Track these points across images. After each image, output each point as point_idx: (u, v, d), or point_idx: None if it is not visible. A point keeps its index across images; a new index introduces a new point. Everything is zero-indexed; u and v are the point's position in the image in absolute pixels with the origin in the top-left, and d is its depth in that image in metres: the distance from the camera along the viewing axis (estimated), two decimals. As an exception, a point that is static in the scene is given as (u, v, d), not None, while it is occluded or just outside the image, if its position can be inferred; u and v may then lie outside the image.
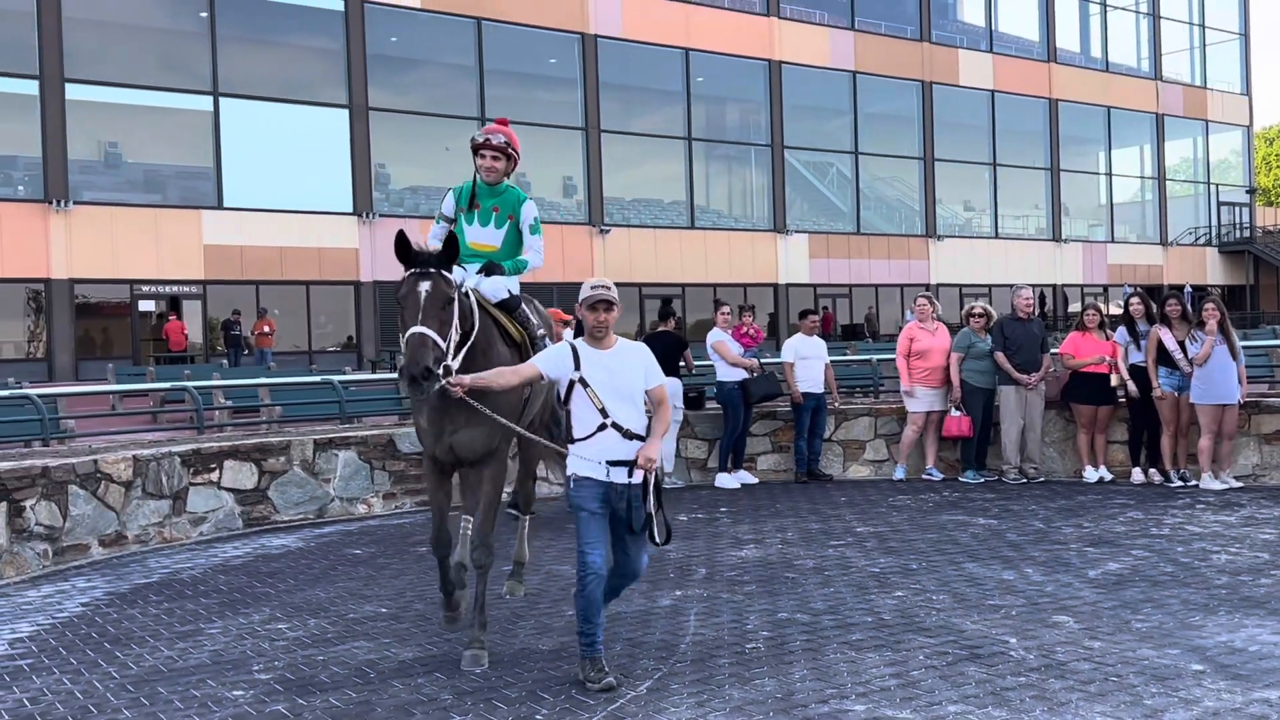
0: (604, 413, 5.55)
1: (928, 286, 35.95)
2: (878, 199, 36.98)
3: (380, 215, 28.19)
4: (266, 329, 26.01)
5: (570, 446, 5.70)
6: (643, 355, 5.88)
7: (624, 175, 32.50)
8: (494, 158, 6.69)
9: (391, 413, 13.41)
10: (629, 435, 5.62)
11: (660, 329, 13.43)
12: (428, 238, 6.34)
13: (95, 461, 9.20)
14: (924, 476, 12.84)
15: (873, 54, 35.59)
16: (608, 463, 5.58)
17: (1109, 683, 5.55)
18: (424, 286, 5.53)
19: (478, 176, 6.77)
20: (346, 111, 28.13)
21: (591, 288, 5.83)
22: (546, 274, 29.21)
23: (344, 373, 19.44)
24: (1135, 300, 12.45)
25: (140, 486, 9.50)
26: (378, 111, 28.51)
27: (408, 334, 5.39)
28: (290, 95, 27.68)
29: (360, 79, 28.12)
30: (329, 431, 11.54)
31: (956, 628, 6.58)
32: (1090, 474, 12.32)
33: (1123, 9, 41.84)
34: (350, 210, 28.00)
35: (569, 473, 5.75)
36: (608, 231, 30.87)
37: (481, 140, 6.73)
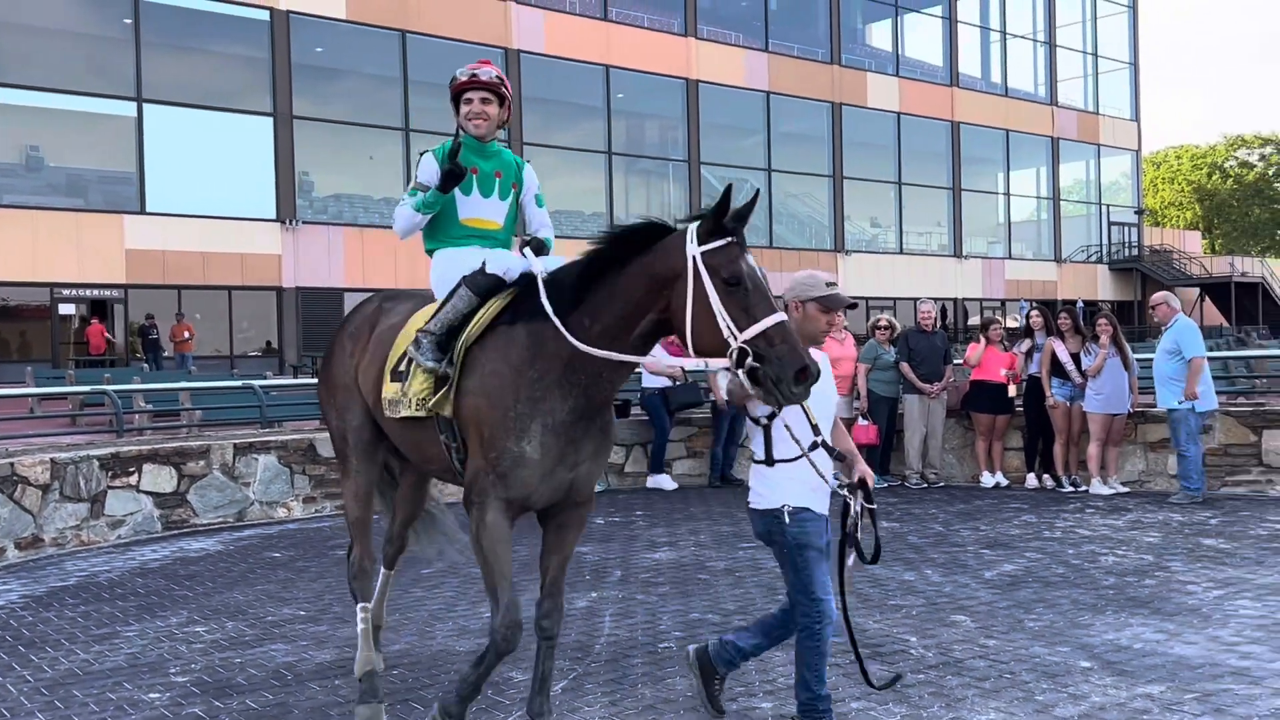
0: (816, 429, 4.36)
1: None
2: (789, 215, 37.31)
3: (303, 222, 27.83)
4: (186, 334, 25.57)
5: (770, 470, 4.56)
6: (828, 363, 4.58)
7: (546, 187, 32.28)
8: (484, 100, 4.74)
9: (312, 417, 13.21)
10: (837, 456, 4.51)
11: None
12: (401, 210, 4.76)
13: (12, 464, 9.00)
14: None
15: (785, 75, 35.93)
16: (833, 490, 4.53)
17: (1003, 680, 5.64)
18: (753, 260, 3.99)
19: (460, 134, 4.72)
20: (271, 119, 27.77)
21: (829, 284, 4.55)
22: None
23: (265, 377, 19.11)
24: (1035, 314, 12.69)
25: (58, 489, 9.30)
26: (302, 120, 28.19)
27: (782, 320, 3.83)
28: (215, 103, 27.26)
29: (285, 88, 27.77)
30: (249, 436, 11.37)
31: (860, 627, 6.63)
32: (987, 479, 12.53)
33: (1021, 38, 42.69)
34: (274, 217, 27.60)
35: (780, 504, 4.54)
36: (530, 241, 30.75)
37: (466, 78, 4.76)
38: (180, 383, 16.59)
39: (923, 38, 40.25)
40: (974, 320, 36.44)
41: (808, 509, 4.49)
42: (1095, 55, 44.59)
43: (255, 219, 27.40)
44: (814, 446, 4.35)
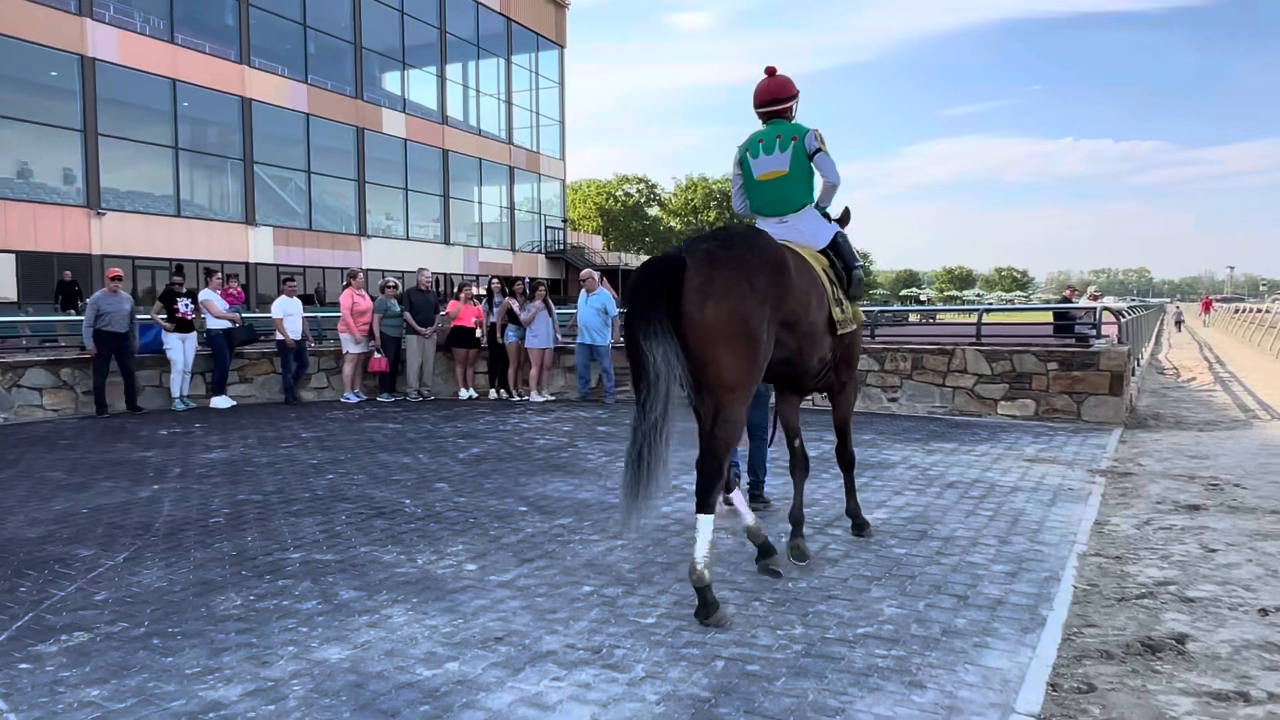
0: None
1: (357, 270, 34.87)
2: (326, 206, 35.34)
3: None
4: None
5: None
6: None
7: (121, 174, 28.05)
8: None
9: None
10: None
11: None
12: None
13: None
14: (342, 400, 12.56)
15: (321, 102, 33.96)
16: None
17: (469, 522, 5.74)
18: None
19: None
20: None
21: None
22: (51, 245, 24.47)
23: None
24: (495, 282, 12.95)
25: None
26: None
27: None
28: None
29: None
30: None
31: (370, 497, 6.49)
32: (463, 393, 12.71)
33: (489, 95, 43.17)
34: None
35: None
36: (104, 214, 26.48)
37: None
38: None
39: (422, 88, 39.47)
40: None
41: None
42: (537, 113, 46.22)
43: None
44: None
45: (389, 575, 4.59)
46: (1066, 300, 16.09)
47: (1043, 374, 10.28)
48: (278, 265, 32.18)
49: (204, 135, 31.74)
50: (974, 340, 11.50)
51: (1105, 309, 11.77)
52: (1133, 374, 12.50)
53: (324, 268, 34.12)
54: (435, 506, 6.07)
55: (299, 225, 33.72)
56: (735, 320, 3.79)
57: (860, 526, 5.45)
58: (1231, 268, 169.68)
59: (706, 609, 3.95)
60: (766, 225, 4.92)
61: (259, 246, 31.81)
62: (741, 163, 5.11)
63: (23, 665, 3.45)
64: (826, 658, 3.59)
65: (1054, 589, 4.44)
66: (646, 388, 3.74)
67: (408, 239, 38.48)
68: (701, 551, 3.92)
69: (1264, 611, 4.09)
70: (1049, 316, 15.24)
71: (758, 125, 5.12)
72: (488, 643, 3.72)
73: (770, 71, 5.12)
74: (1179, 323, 47.56)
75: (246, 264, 31.16)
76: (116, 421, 10.53)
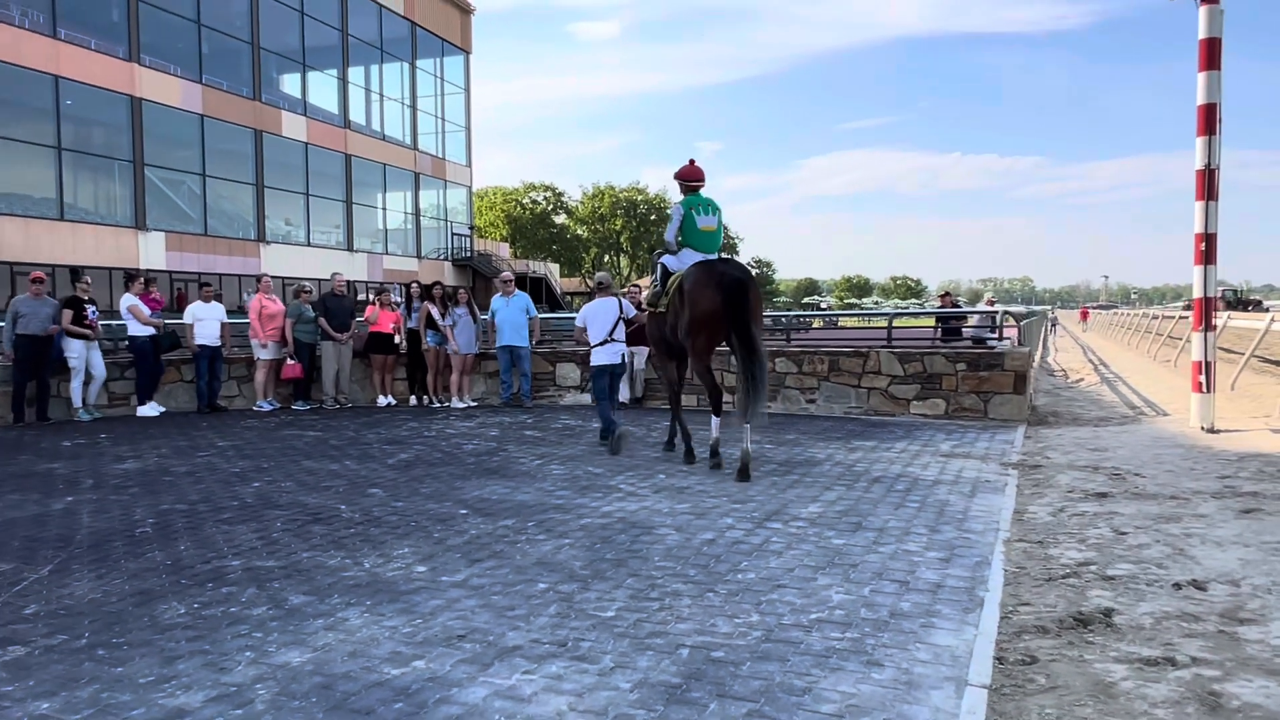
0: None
1: (259, 276, 33.74)
2: (221, 211, 34.05)
3: None
4: None
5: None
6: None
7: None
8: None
9: None
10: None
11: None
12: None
13: None
14: (254, 408, 12.20)
15: (217, 104, 32.74)
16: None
17: (410, 526, 5.68)
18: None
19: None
20: None
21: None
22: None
23: None
24: (415, 287, 12.77)
25: None
26: None
27: None
28: None
29: None
30: None
31: (303, 503, 6.35)
32: (382, 400, 12.48)
33: (392, 100, 42.46)
34: None
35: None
36: (-20, 218, 24.95)
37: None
38: None
39: (323, 90, 38.53)
40: (362, 296, 35.79)
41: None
42: (443, 119, 45.69)
43: None
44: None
45: (337, 579, 4.51)
46: (943, 305, 16.94)
47: (952, 374, 10.76)
48: (170, 271, 30.82)
49: (89, 135, 30.19)
50: (886, 343, 11.94)
51: (1008, 313, 12.39)
52: (1032, 375, 13.18)
53: (220, 274, 32.83)
54: (373, 511, 5.96)
55: (194, 230, 32.39)
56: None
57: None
58: (1106, 277, 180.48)
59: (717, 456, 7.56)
60: (708, 257, 7.54)
61: (150, 252, 30.40)
62: (686, 215, 7.54)
63: (-42, 682, 3.26)
64: (786, 642, 3.72)
65: (986, 572, 4.69)
66: (744, 347, 6.84)
67: (309, 245, 37.41)
68: (715, 433, 7.61)
69: (1177, 585, 4.42)
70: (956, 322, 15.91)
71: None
72: (451, 640, 3.70)
73: (692, 161, 7.68)
74: (1054, 324, 50.38)
75: (137, 270, 29.75)
76: (14, 433, 9.92)
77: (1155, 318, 29.53)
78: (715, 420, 7.57)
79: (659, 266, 7.89)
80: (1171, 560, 4.87)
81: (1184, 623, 3.95)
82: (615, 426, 8.41)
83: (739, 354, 6.84)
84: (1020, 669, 3.53)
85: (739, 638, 3.77)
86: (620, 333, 8.61)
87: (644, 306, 8.81)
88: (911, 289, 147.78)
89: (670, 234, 7.68)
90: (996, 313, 13.01)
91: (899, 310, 13.53)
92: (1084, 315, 69.87)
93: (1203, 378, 9.45)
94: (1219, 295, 10.91)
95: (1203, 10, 9.15)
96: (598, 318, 8.57)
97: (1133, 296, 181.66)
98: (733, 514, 5.89)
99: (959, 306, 20.09)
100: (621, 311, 8.62)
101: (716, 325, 6.86)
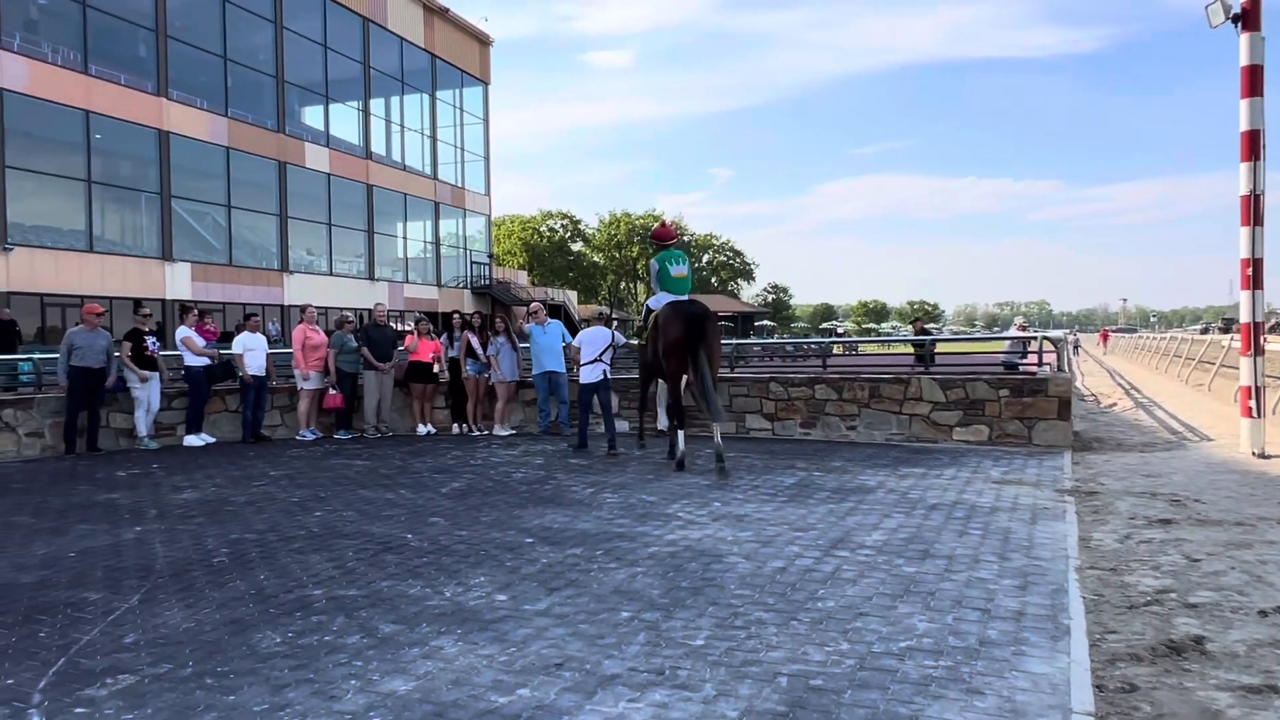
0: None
1: (283, 307, 34.20)
2: (245, 242, 34.46)
3: None
4: None
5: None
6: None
7: (30, 207, 26.90)
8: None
9: None
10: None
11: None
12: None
13: None
14: (297, 437, 12.33)
15: (242, 136, 33.23)
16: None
17: (480, 555, 5.73)
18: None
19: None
20: None
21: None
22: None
23: None
24: (457, 317, 12.90)
25: None
26: None
27: None
28: None
29: None
30: None
31: (369, 533, 6.41)
32: (421, 429, 12.56)
33: (413, 130, 43.03)
34: None
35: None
36: (11, 249, 25.30)
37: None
38: None
39: (345, 122, 39.12)
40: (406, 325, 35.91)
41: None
42: (462, 149, 46.20)
43: None
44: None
45: (421, 608, 4.57)
46: (916, 332, 17.50)
47: (995, 401, 10.77)
48: (196, 301, 31.16)
49: (118, 168, 30.70)
50: (924, 369, 11.97)
51: (1046, 338, 12.40)
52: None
53: (244, 304, 33.14)
54: (440, 540, 6.02)
55: (218, 261, 32.79)
56: (720, 340, 9.13)
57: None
58: (1124, 300, 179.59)
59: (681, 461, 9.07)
60: (678, 298, 9.24)
61: (176, 282, 30.78)
62: (661, 267, 9.35)
63: (78, 710, 3.33)
64: (882, 670, 3.74)
65: (1064, 600, 4.70)
66: (695, 366, 8.50)
67: (331, 274, 37.77)
68: (681, 443, 9.15)
69: (1263, 613, 4.43)
70: (996, 346, 15.96)
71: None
72: (549, 669, 3.75)
73: (663, 223, 9.73)
74: (1075, 347, 50.27)
75: (163, 300, 30.09)
76: (67, 464, 10.05)
77: (1184, 341, 29.40)
78: (680, 434, 9.19)
79: (646, 309, 9.74)
80: (1252, 587, 4.87)
81: (1278, 650, 3.96)
82: (587, 441, 10.56)
83: (692, 369, 8.58)
84: (1122, 697, 3.54)
85: (833, 666, 3.80)
86: (607, 357, 10.49)
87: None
88: (929, 313, 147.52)
89: (654, 283, 9.56)
90: (1033, 337, 13.01)
91: (940, 337, 13.45)
92: (1104, 338, 69.55)
93: (1253, 403, 9.44)
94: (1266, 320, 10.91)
95: (1244, 38, 9.24)
96: (591, 342, 10.54)
97: (1153, 319, 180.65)
98: (797, 542, 5.92)
99: (929, 333, 20.46)
100: (612, 340, 10.59)
101: (682, 350, 8.58)
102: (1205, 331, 52.56)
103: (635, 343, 10.43)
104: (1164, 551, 5.69)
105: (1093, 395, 20.95)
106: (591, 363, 10.40)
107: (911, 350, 16.35)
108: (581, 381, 10.58)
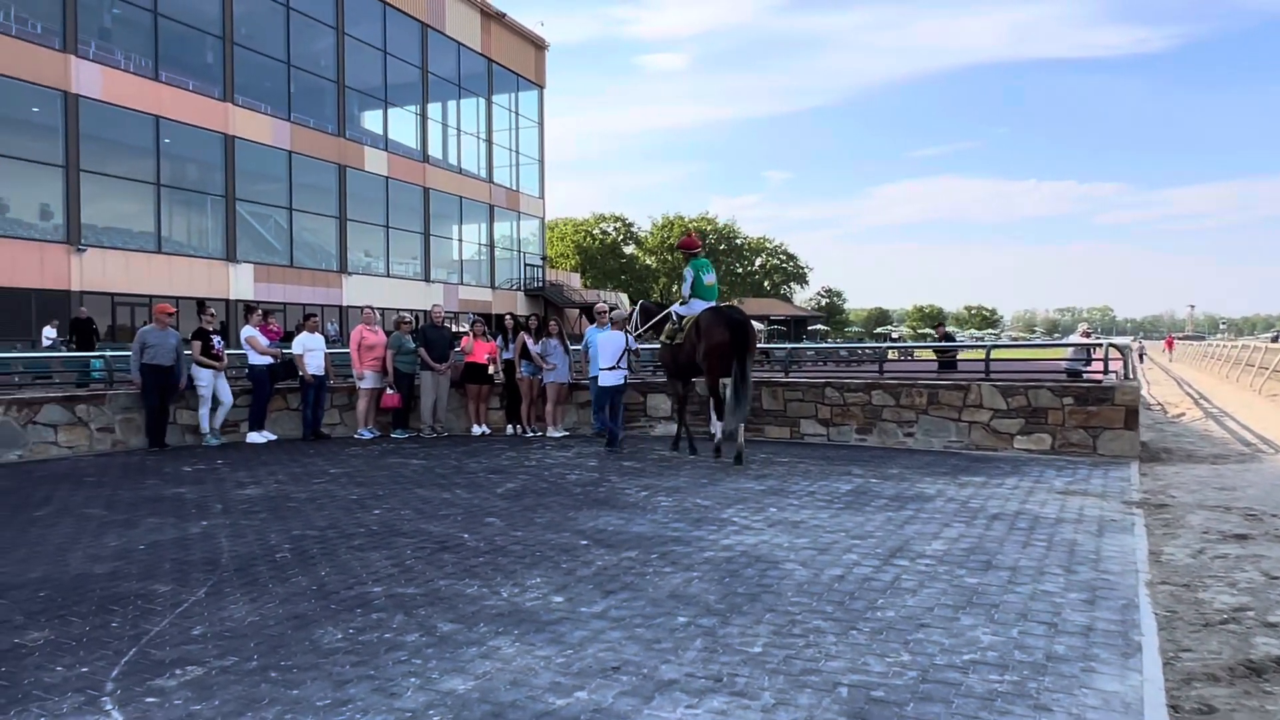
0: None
1: (341, 307, 34.89)
2: (305, 244, 35.24)
3: None
4: None
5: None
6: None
7: (101, 209, 27.87)
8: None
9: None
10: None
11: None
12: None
13: None
14: (355, 435, 12.53)
15: (303, 140, 33.99)
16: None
17: (536, 556, 5.75)
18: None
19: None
20: None
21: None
22: (28, 282, 24.16)
23: None
24: (510, 320, 13.02)
25: None
26: None
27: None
28: None
29: None
30: None
31: (426, 531, 6.48)
32: (476, 430, 12.67)
33: (469, 134, 43.59)
34: None
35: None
36: (84, 250, 26.20)
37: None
38: None
39: (403, 126, 39.79)
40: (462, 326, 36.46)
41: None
42: (517, 152, 46.63)
43: None
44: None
45: (479, 608, 4.59)
46: (939, 337, 17.40)
47: (1058, 409, 10.51)
48: (259, 301, 31.95)
49: (186, 172, 31.63)
50: (984, 376, 11.74)
51: (1112, 345, 12.07)
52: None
53: (304, 304, 33.90)
54: (495, 540, 6.06)
55: (280, 262, 33.58)
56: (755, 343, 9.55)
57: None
58: (1192, 306, 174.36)
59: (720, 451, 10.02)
60: (715, 304, 9.96)
61: (239, 283, 31.60)
62: (696, 274, 9.96)
63: (149, 700, 3.41)
64: (945, 683, 3.66)
65: (1135, 615, 4.55)
66: (740, 367, 9.01)
67: (388, 276, 38.45)
68: (715, 429, 10.02)
69: (1349, 634, 4.24)
70: (1057, 353, 15.59)
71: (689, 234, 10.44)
72: (606, 672, 3.74)
73: (689, 233, 12.52)
74: (1141, 355, 48.90)
75: (227, 300, 30.92)
76: (135, 458, 10.38)
77: (1256, 349, 28.40)
78: (717, 422, 9.79)
79: (673, 314, 10.26)
80: (1336, 607, 4.66)
81: (1366, 674, 3.78)
82: (618, 435, 10.86)
83: (735, 375, 9.00)
84: (1199, 719, 3.42)
85: (894, 677, 3.73)
86: (625, 361, 10.75)
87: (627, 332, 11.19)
88: (987, 319, 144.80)
89: (686, 290, 10.06)
90: (1099, 344, 12.68)
91: (998, 344, 13.19)
92: (1169, 345, 67.63)
93: (1333, 414, 9.05)
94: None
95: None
96: (607, 346, 10.72)
97: (1222, 327, 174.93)
98: (855, 550, 5.84)
99: (951, 339, 20.18)
100: (628, 344, 10.79)
101: (726, 353, 9.08)
102: (1277, 340, 50.80)
103: (661, 343, 10.46)
104: (1240, 567, 5.48)
105: (1160, 404, 20.34)
106: (613, 368, 10.71)
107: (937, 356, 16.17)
108: (602, 384, 10.86)
